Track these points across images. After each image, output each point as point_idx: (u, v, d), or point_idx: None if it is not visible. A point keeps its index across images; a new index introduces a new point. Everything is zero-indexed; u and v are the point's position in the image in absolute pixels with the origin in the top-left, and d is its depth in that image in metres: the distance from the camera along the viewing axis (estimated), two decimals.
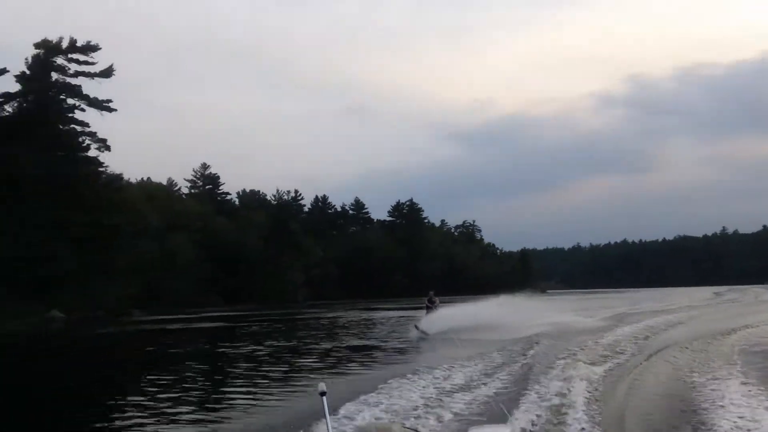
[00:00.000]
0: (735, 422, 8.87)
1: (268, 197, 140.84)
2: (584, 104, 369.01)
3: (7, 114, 53.89)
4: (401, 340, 27.07)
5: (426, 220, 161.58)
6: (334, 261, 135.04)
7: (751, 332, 23.94)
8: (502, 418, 8.26)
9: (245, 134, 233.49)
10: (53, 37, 51.98)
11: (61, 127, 54.47)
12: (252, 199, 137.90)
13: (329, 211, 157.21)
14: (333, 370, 18.12)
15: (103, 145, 55.17)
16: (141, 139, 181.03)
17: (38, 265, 49.59)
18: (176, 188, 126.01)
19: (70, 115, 54.53)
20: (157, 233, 71.86)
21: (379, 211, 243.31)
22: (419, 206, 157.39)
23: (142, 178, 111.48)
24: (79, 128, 55.02)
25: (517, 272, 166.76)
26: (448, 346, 21.60)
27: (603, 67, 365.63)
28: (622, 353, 17.87)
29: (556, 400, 10.50)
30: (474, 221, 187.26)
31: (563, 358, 15.86)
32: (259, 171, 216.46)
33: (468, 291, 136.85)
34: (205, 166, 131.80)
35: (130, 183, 75.80)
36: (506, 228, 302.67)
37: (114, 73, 54.20)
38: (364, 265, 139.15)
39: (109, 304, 62.56)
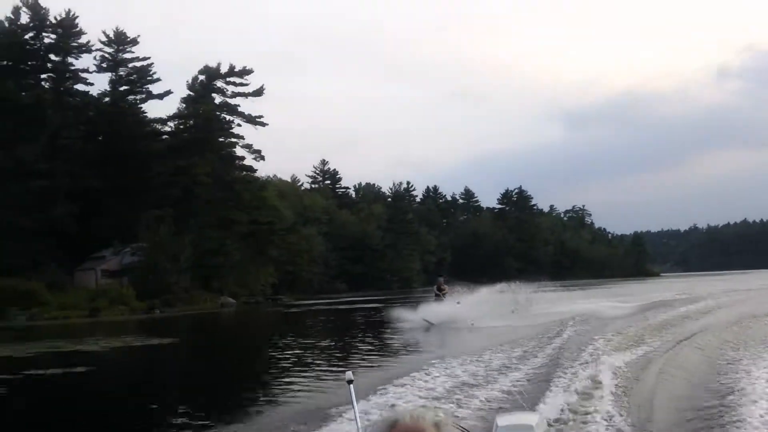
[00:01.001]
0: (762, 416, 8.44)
1: (383, 189, 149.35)
2: (699, 78, 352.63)
3: (179, 130, 64.04)
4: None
5: (535, 207, 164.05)
6: (446, 248, 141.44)
7: None
8: (530, 406, 8.41)
9: (356, 124, 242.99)
10: (213, 63, 62.04)
11: (222, 140, 64.06)
12: (368, 191, 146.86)
13: (440, 200, 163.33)
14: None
15: (258, 155, 64.42)
16: (266, 136, 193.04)
17: (211, 257, 59.31)
18: (299, 184, 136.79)
19: (230, 130, 64.00)
20: (292, 227, 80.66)
21: (487, 195, 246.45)
22: (528, 193, 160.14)
23: (271, 176, 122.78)
24: (236, 140, 64.47)
25: (630, 256, 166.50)
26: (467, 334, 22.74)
27: (719, 38, 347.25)
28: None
29: (583, 387, 10.47)
30: (584, 206, 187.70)
31: (589, 346, 15.82)
32: (372, 161, 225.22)
33: (580, 276, 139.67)
34: (324, 162, 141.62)
35: (266, 182, 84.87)
36: (618, 211, 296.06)
37: (264, 91, 63.20)
38: (475, 252, 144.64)
39: (262, 290, 72.62)
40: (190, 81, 66.33)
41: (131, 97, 67.14)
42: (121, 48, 66.94)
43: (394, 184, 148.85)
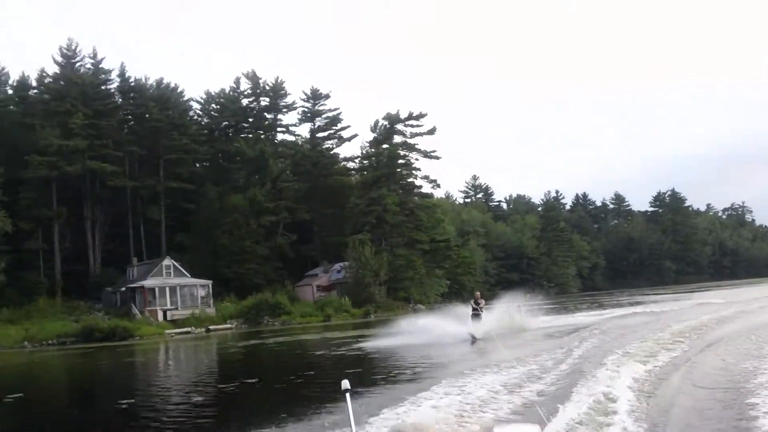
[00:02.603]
0: None
1: (534, 200, 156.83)
2: None
3: (367, 167, 77.38)
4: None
5: (690, 207, 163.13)
6: (599, 253, 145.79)
7: None
8: (537, 419, 8.29)
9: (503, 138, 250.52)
10: (393, 110, 74.86)
11: (404, 173, 76.49)
12: (519, 202, 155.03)
13: (590, 206, 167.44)
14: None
15: (435, 184, 76.42)
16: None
17: (403, 271, 71.49)
18: (452, 199, 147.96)
19: (410, 164, 76.41)
20: (464, 243, 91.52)
21: (637, 197, 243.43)
22: (681, 195, 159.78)
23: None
24: (415, 172, 76.84)
25: None
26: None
27: None
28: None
29: (600, 396, 10.55)
30: (743, 202, 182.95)
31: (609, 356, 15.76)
32: (520, 174, 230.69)
33: (742, 275, 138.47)
34: (474, 177, 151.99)
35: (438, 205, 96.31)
36: None
37: (436, 131, 75.12)
38: (629, 256, 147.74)
39: (434, 299, 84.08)
40: (372, 125, 79.47)
41: (328, 142, 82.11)
42: (316, 102, 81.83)
43: (545, 195, 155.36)
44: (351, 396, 4.56)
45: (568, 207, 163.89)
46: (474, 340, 24.46)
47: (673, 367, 14.34)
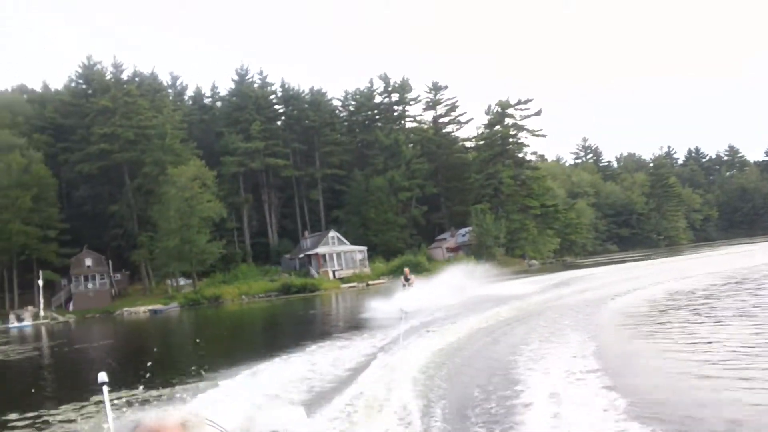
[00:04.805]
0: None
1: (644, 157, 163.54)
2: None
3: (483, 146, 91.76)
4: None
5: None
6: (713, 205, 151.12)
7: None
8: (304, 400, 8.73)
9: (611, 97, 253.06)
10: (504, 97, 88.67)
11: (515, 150, 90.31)
12: (630, 161, 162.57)
13: (703, 159, 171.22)
14: None
15: (542, 158, 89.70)
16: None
17: (517, 233, 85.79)
18: (563, 162, 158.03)
19: (520, 142, 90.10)
20: (570, 207, 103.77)
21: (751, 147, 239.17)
22: None
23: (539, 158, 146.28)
24: (525, 149, 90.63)
25: None
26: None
27: None
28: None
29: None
30: None
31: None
32: (630, 131, 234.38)
33: None
34: (584, 139, 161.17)
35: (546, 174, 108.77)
36: None
37: (541, 111, 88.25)
38: (743, 207, 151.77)
39: (548, 255, 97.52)
40: (486, 109, 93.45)
41: (449, 126, 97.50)
42: (436, 93, 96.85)
43: (653, 155, 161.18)
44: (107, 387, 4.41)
45: (680, 162, 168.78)
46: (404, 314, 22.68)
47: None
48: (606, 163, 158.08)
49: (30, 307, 65.32)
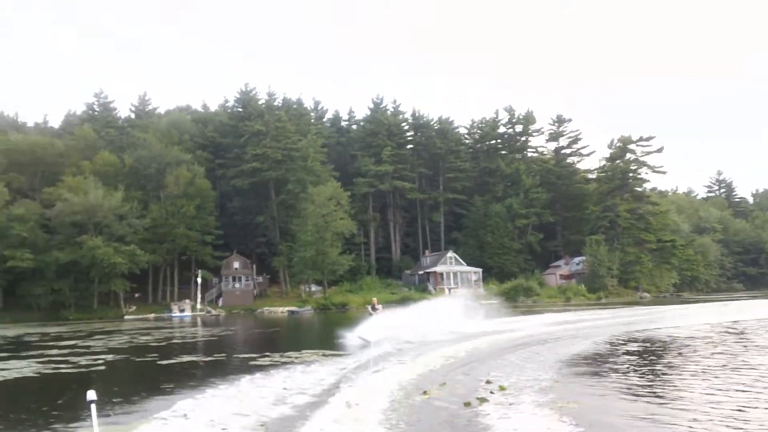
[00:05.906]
0: None
1: None
2: None
3: (603, 179, 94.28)
4: None
5: None
6: None
7: None
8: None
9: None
10: (627, 134, 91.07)
11: (634, 185, 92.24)
12: (765, 197, 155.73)
13: None
14: None
15: (663, 194, 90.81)
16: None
17: (631, 266, 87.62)
18: (694, 195, 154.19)
19: (640, 177, 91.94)
20: (689, 243, 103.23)
21: None
22: None
23: (670, 191, 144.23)
24: (645, 184, 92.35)
25: None
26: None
27: None
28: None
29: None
30: None
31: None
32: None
33: None
34: (719, 173, 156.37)
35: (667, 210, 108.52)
36: None
37: (663, 149, 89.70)
38: None
39: (667, 289, 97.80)
40: (608, 144, 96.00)
41: (570, 158, 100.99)
42: (560, 125, 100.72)
43: None
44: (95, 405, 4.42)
45: None
46: (366, 343, 22.43)
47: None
48: (739, 199, 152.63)
49: (188, 300, 76.78)
